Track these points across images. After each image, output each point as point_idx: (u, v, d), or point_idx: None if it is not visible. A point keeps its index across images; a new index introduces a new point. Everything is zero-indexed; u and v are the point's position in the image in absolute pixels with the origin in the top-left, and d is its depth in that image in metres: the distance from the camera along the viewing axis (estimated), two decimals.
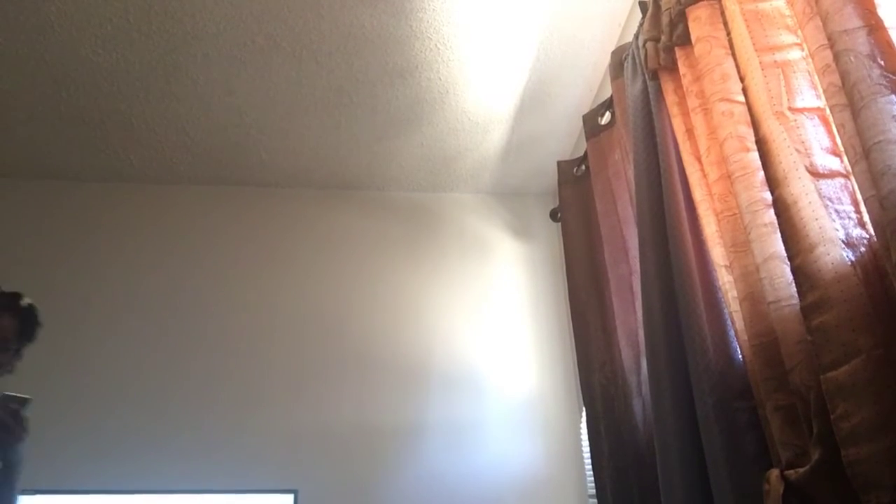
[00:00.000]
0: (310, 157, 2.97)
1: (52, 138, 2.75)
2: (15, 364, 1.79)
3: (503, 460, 2.76)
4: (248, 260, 3.00)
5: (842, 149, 1.08)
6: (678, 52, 1.58)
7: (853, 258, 1.02)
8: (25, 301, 1.79)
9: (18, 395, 1.66)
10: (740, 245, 1.34)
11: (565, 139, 2.94)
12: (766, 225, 1.23)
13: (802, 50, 1.22)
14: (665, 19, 1.60)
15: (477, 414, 2.83)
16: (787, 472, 1.14)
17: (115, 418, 2.57)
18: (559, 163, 2.60)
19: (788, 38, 1.25)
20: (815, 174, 1.11)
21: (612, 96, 2.14)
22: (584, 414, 2.27)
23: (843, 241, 1.04)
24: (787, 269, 1.15)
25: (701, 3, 1.48)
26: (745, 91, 1.27)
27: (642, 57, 1.76)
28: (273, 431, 2.67)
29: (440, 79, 2.52)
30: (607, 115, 2.26)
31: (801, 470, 1.10)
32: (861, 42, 0.99)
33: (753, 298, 1.29)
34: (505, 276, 3.16)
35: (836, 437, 0.98)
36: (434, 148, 2.95)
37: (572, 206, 2.48)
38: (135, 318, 2.78)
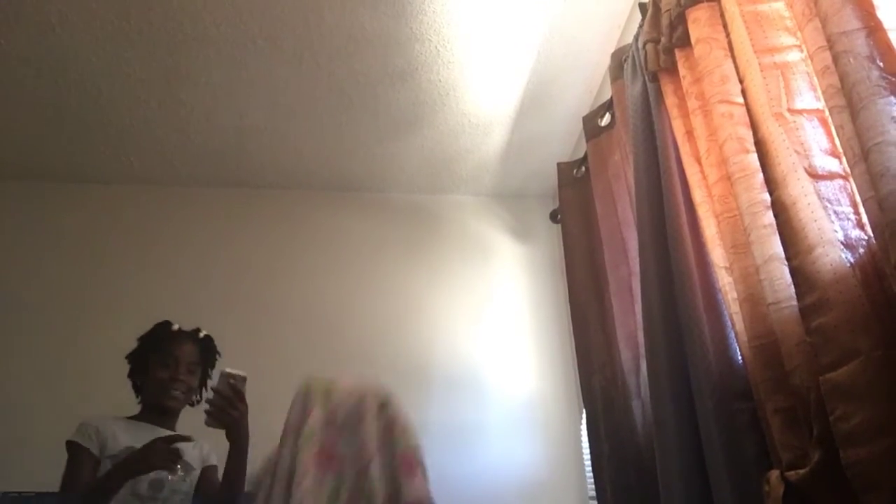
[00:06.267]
0: (310, 158, 2.97)
1: (52, 140, 2.76)
2: (202, 392, 1.93)
3: (504, 461, 2.76)
4: (248, 261, 3.00)
5: (841, 150, 1.08)
6: (678, 54, 1.58)
7: (852, 260, 1.02)
8: (203, 333, 1.95)
9: (237, 372, 1.67)
10: (740, 246, 1.34)
11: (565, 141, 2.94)
12: (765, 226, 1.23)
13: (802, 51, 1.22)
14: (665, 21, 1.60)
15: (478, 415, 2.83)
16: (787, 474, 1.14)
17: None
18: (559, 164, 2.60)
19: (788, 39, 1.25)
20: (814, 176, 1.10)
21: (611, 98, 2.14)
22: (584, 415, 2.27)
23: (841, 243, 1.04)
24: (787, 271, 1.14)
25: (700, 5, 1.48)
26: (744, 93, 1.27)
27: (642, 58, 1.76)
28: (275, 434, 2.66)
29: (440, 80, 2.52)
30: (607, 117, 2.26)
31: (801, 471, 1.10)
32: (860, 44, 0.99)
33: (753, 300, 1.28)
34: (505, 278, 3.16)
35: (835, 439, 0.98)
36: (434, 150, 2.95)
37: (572, 208, 2.47)
38: (135, 320, 2.78)
